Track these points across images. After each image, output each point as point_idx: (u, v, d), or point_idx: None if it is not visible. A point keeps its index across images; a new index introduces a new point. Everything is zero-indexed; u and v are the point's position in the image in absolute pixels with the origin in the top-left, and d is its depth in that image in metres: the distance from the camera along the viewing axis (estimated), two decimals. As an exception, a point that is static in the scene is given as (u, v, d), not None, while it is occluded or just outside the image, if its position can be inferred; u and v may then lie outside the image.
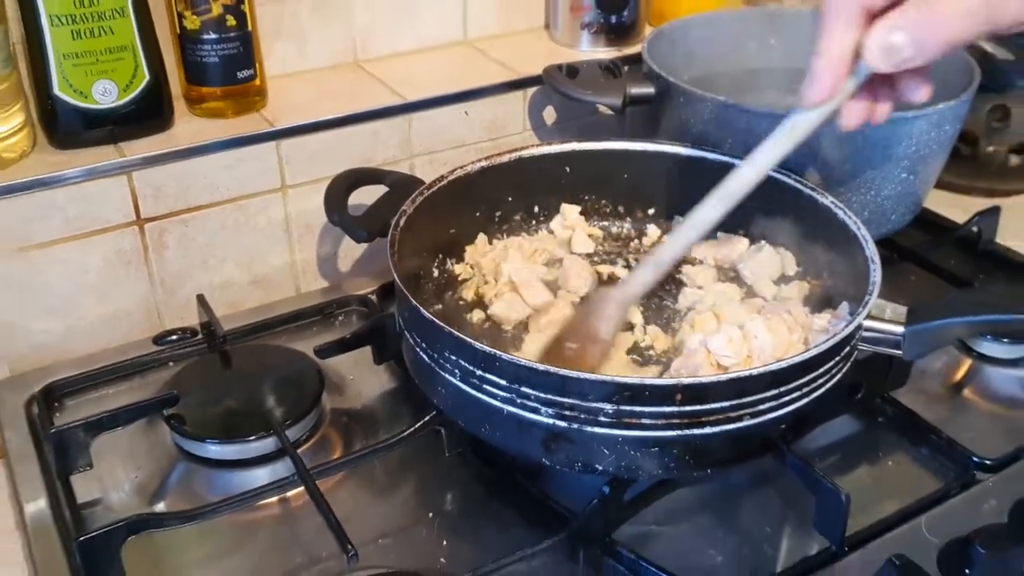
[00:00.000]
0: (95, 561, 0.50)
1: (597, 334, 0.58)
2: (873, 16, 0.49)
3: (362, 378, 0.68)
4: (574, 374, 0.49)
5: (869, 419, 0.64)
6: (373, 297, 0.74)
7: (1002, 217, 0.81)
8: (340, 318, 0.74)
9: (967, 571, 0.51)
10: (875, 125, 0.55)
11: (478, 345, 0.51)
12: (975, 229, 0.79)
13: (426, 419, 0.59)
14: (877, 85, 0.53)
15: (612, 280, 0.69)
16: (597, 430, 0.50)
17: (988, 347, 0.68)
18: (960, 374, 0.68)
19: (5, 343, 0.67)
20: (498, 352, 0.50)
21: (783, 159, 0.57)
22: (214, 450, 0.60)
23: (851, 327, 0.52)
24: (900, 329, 0.55)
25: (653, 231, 0.73)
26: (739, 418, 0.50)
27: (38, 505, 0.57)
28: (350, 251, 0.79)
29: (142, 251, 0.70)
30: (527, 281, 0.64)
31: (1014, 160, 0.85)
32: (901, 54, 0.47)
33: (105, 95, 0.66)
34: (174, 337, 0.71)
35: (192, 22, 0.69)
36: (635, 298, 0.61)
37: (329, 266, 0.79)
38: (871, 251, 0.58)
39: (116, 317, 0.71)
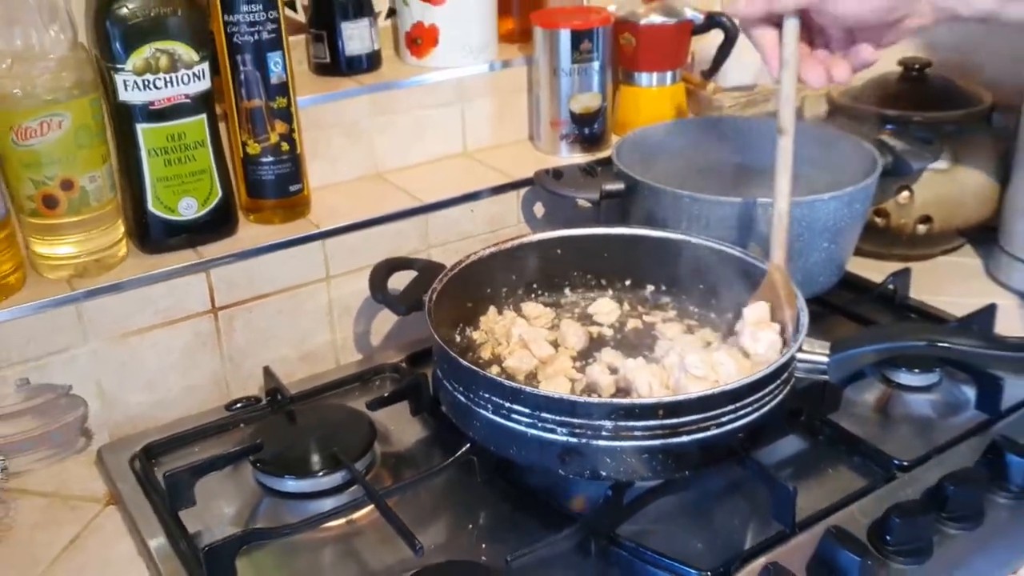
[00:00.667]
0: (217, 567, 0.65)
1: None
2: None
3: (401, 429, 0.83)
4: (582, 399, 0.66)
5: (812, 437, 0.80)
6: (404, 364, 0.90)
7: (914, 276, 0.99)
8: (376, 383, 0.90)
9: (888, 537, 0.67)
10: (837, 82, 0.74)
11: (507, 382, 0.67)
12: (891, 287, 0.97)
13: (461, 452, 0.75)
14: (833, 47, 0.73)
15: (601, 339, 0.85)
16: (601, 443, 0.66)
17: (904, 377, 0.85)
18: (883, 400, 0.85)
19: (107, 413, 0.82)
20: (523, 386, 0.66)
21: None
22: (291, 484, 0.74)
23: (787, 357, 0.69)
24: (825, 358, 0.72)
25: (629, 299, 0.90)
26: (706, 428, 0.66)
27: (158, 539, 0.71)
28: (380, 328, 0.95)
29: (215, 334, 0.85)
30: (534, 338, 0.80)
31: (921, 229, 1.04)
32: None
33: (187, 209, 0.83)
34: (239, 405, 0.86)
35: (254, 148, 0.86)
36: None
37: (363, 341, 0.95)
38: (801, 302, 0.75)
39: (194, 388, 0.86)
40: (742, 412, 0.67)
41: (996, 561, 0.68)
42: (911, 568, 0.66)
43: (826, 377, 0.72)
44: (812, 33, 0.76)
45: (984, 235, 1.06)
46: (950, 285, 1.02)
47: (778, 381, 0.69)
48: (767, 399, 0.69)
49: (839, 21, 0.73)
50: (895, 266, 1.00)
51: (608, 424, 0.65)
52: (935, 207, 1.03)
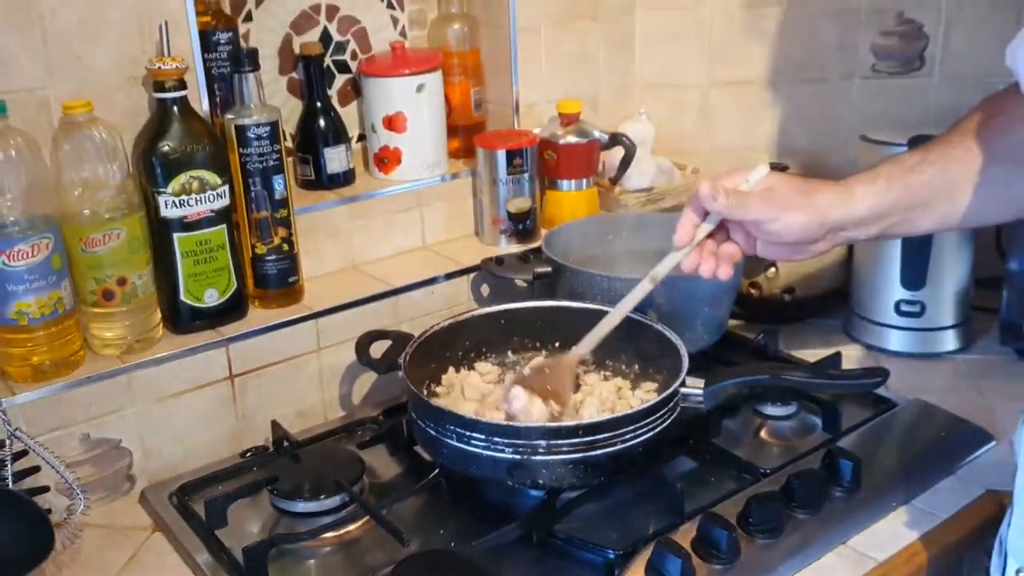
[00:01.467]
0: (253, 564, 0.86)
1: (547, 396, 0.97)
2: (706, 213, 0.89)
3: (383, 466, 1.05)
4: (523, 425, 0.89)
5: (700, 457, 1.04)
6: (381, 417, 1.13)
7: (783, 334, 1.26)
8: (360, 431, 1.12)
9: (750, 519, 0.91)
10: (718, 278, 0.90)
11: (467, 416, 0.90)
12: (762, 342, 1.23)
13: (432, 475, 0.97)
14: (735, 239, 0.90)
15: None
16: (538, 458, 0.89)
17: (769, 409, 1.10)
18: (755, 427, 1.10)
19: (147, 462, 1.03)
20: (479, 418, 0.90)
21: (650, 291, 0.96)
22: (301, 506, 0.96)
23: (671, 389, 0.94)
24: (700, 391, 0.97)
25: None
26: (614, 443, 0.90)
27: (201, 554, 0.92)
28: (360, 390, 1.18)
29: (232, 396, 1.08)
30: (484, 389, 1.04)
31: (787, 298, 1.31)
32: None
33: (210, 298, 1.06)
34: (251, 452, 1.08)
35: (261, 249, 1.10)
36: (583, 356, 0.98)
37: (347, 400, 1.17)
38: (683, 353, 1.00)
39: (215, 440, 1.07)
40: (640, 431, 0.92)
41: (833, 537, 0.92)
42: (767, 542, 0.89)
43: (702, 406, 0.97)
44: (725, 227, 0.91)
45: (839, 300, 1.33)
46: (813, 340, 1.29)
47: (666, 409, 0.94)
48: (659, 421, 0.93)
49: (768, 236, 0.88)
50: (770, 327, 1.27)
51: (543, 443, 0.89)
52: (797, 280, 1.30)
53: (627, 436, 0.91)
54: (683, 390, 0.97)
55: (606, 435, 0.90)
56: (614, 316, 0.97)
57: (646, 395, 1.04)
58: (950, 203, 0.88)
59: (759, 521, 0.91)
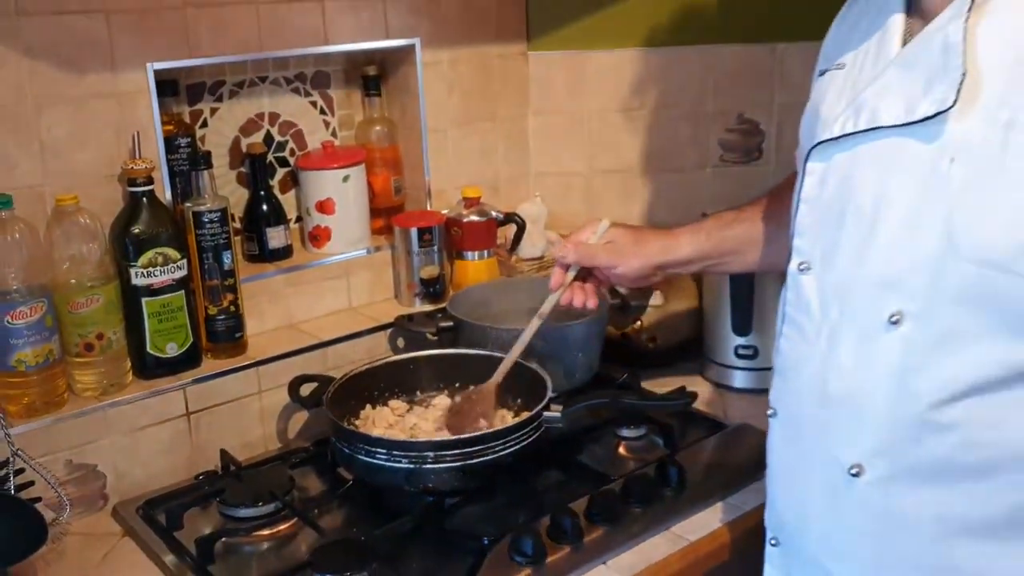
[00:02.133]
0: (203, 551, 1.10)
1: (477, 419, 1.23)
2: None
3: (310, 484, 1.30)
4: (415, 440, 1.15)
5: (564, 470, 1.30)
6: (311, 447, 1.38)
7: (649, 375, 1.53)
8: (292, 458, 1.36)
9: (593, 511, 1.17)
10: (588, 308, 1.22)
11: (373, 435, 1.16)
12: (628, 381, 1.50)
13: (348, 485, 1.23)
14: (595, 281, 1.21)
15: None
16: (427, 466, 1.15)
17: (624, 432, 1.37)
18: (613, 446, 1.36)
19: (117, 483, 1.27)
20: (382, 436, 1.16)
21: (538, 329, 1.24)
22: (243, 512, 1.20)
23: (534, 412, 1.21)
24: (559, 414, 1.23)
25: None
26: (488, 454, 1.16)
27: (164, 552, 1.15)
28: (293, 427, 1.43)
29: (188, 430, 1.32)
30: (393, 421, 1.30)
31: (651, 345, 1.59)
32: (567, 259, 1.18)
33: (171, 350, 1.32)
34: (202, 475, 1.32)
35: (212, 310, 1.36)
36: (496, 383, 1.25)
37: (283, 434, 1.42)
38: (548, 385, 1.27)
39: (174, 465, 1.31)
40: (510, 444, 1.18)
41: (660, 525, 1.18)
42: (606, 528, 1.15)
43: (561, 425, 1.24)
44: (586, 271, 1.22)
45: (695, 346, 1.62)
46: (672, 380, 1.55)
47: (530, 427, 1.20)
48: (524, 436, 1.19)
49: (613, 276, 1.20)
50: (636, 370, 1.54)
51: (431, 454, 1.15)
52: (658, 330, 1.58)
53: (498, 448, 1.17)
54: (545, 413, 1.23)
55: (481, 447, 1.16)
56: (516, 349, 1.25)
57: (523, 420, 1.30)
58: (754, 252, 1.17)
59: (599, 512, 1.17)
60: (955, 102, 0.74)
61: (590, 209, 1.78)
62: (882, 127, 0.80)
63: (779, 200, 1.15)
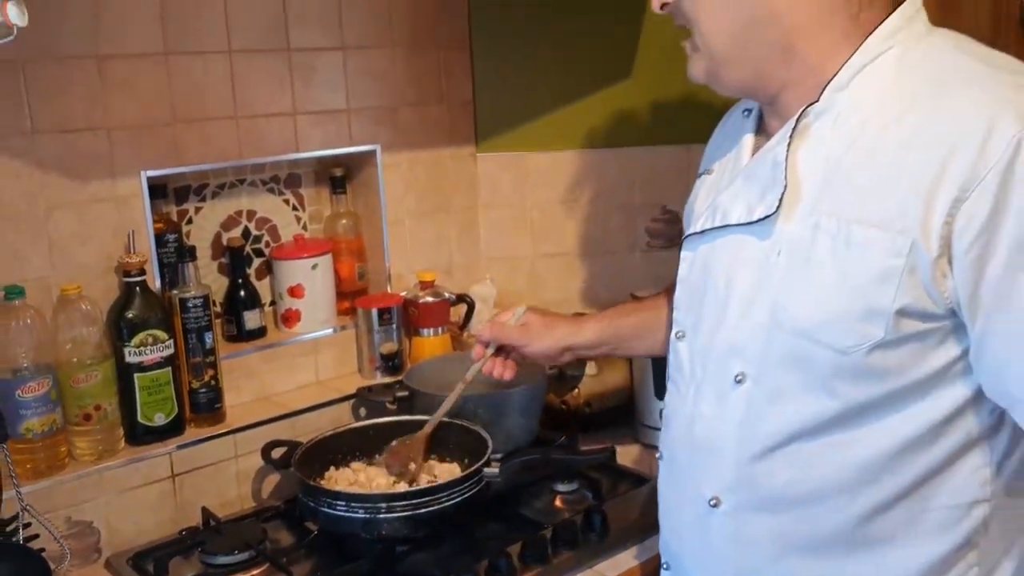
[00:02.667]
0: (186, 592, 1.27)
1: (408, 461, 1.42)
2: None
3: (280, 536, 1.48)
4: (370, 492, 1.34)
5: (504, 520, 1.48)
6: (281, 505, 1.55)
7: (584, 439, 1.72)
8: (265, 514, 1.54)
9: (525, 554, 1.35)
10: (503, 379, 1.42)
11: (334, 489, 1.35)
12: (566, 443, 1.69)
13: (312, 535, 1.40)
14: (503, 358, 1.41)
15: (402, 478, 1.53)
16: (381, 516, 1.33)
17: (560, 487, 1.56)
18: (550, 499, 1.55)
19: (110, 537, 1.44)
20: (341, 490, 1.35)
21: (463, 393, 1.44)
22: (221, 559, 1.37)
23: (476, 466, 1.40)
24: (497, 470, 1.42)
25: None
26: (434, 504, 1.35)
27: (149, 591, 1.33)
28: (267, 488, 1.61)
29: (173, 491, 1.50)
30: (352, 478, 1.49)
31: (588, 411, 1.79)
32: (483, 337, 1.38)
33: (159, 419, 1.50)
34: (185, 531, 1.49)
35: (195, 384, 1.55)
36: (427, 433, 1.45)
37: (257, 494, 1.60)
38: (489, 444, 1.46)
39: (160, 522, 1.49)
40: (453, 496, 1.36)
41: (584, 564, 1.36)
42: (539, 568, 1.33)
43: (500, 480, 1.43)
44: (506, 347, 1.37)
45: (628, 411, 1.81)
46: (608, 440, 1.75)
47: (471, 481, 1.39)
48: (466, 489, 1.38)
49: (527, 354, 1.34)
50: (573, 433, 1.73)
51: (384, 505, 1.33)
52: (593, 397, 1.78)
53: (443, 499, 1.36)
54: (485, 470, 1.42)
55: (428, 498, 1.35)
56: (444, 406, 1.44)
57: (467, 477, 1.49)
58: (649, 339, 1.37)
59: (531, 554, 1.35)
60: (778, 208, 0.96)
61: (535, 289, 2.00)
62: (730, 225, 1.02)
63: (671, 294, 1.36)
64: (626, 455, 1.68)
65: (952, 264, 0.86)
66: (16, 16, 0.98)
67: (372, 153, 1.81)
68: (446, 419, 1.52)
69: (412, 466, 1.44)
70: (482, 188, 1.99)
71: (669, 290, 1.38)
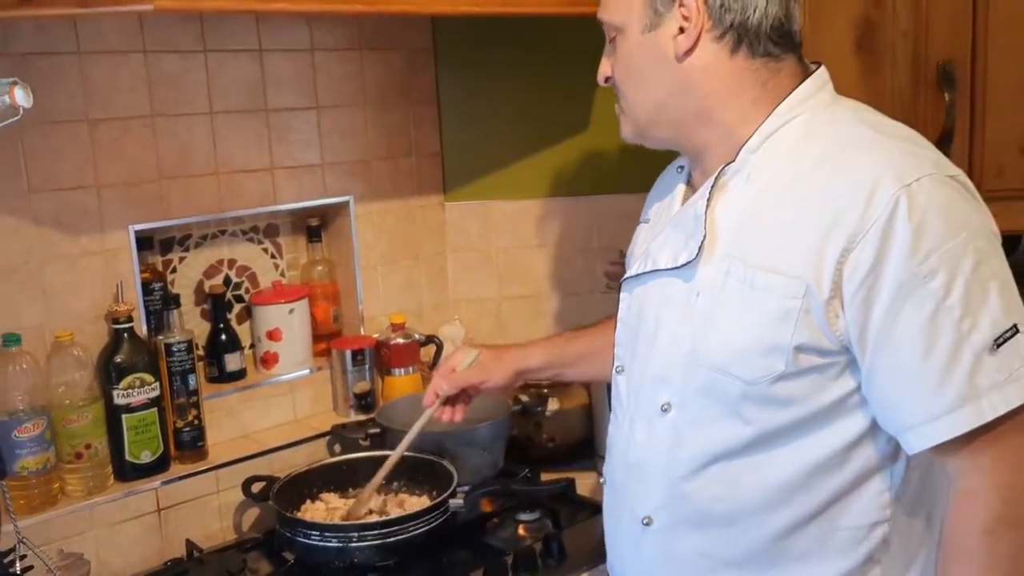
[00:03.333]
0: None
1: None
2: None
3: (259, 564, 1.58)
4: (342, 523, 1.44)
5: (469, 548, 1.58)
6: (261, 536, 1.65)
7: (547, 472, 1.83)
8: (246, 545, 1.64)
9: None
10: (454, 421, 1.53)
11: (308, 519, 1.45)
12: (529, 475, 1.80)
13: (290, 563, 1.51)
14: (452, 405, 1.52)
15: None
16: (353, 544, 1.44)
17: (522, 516, 1.67)
18: (514, 528, 1.66)
19: (100, 569, 1.53)
20: (315, 521, 1.45)
21: (419, 434, 1.54)
22: (205, 589, 1.48)
23: (441, 499, 1.50)
24: (462, 501, 1.53)
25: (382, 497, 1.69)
26: (403, 533, 1.45)
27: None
28: (247, 521, 1.71)
29: (159, 524, 1.60)
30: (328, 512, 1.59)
31: (550, 445, 1.90)
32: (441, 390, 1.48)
33: (146, 457, 1.60)
34: (170, 562, 1.58)
35: (179, 424, 1.65)
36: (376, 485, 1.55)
37: (238, 527, 1.70)
38: (455, 476, 1.57)
39: (146, 554, 1.58)
40: (420, 525, 1.47)
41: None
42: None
43: (464, 510, 1.53)
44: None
45: (589, 445, 1.92)
46: (569, 472, 1.86)
47: (437, 511, 1.50)
48: (433, 519, 1.49)
49: (485, 392, 1.48)
50: (544, 466, 1.84)
51: (356, 534, 1.44)
52: (556, 432, 1.89)
53: (411, 528, 1.47)
54: (451, 501, 1.53)
55: (397, 527, 1.46)
56: (399, 449, 1.54)
57: (435, 508, 1.60)
58: (588, 364, 1.48)
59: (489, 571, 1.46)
60: (698, 255, 1.09)
61: (501, 329, 2.11)
62: (659, 269, 1.14)
63: (610, 324, 1.48)
64: (586, 486, 1.79)
65: (843, 306, 0.99)
66: (22, 99, 1.09)
67: (345, 204, 1.93)
68: (415, 454, 1.63)
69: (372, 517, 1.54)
70: (450, 234, 2.11)
71: (609, 320, 1.50)
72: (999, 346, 0.96)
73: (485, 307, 2.13)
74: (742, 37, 1.06)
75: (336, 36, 1.87)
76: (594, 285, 2.09)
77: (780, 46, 1.08)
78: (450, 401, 1.49)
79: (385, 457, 1.66)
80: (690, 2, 1.05)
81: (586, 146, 2.05)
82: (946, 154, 1.56)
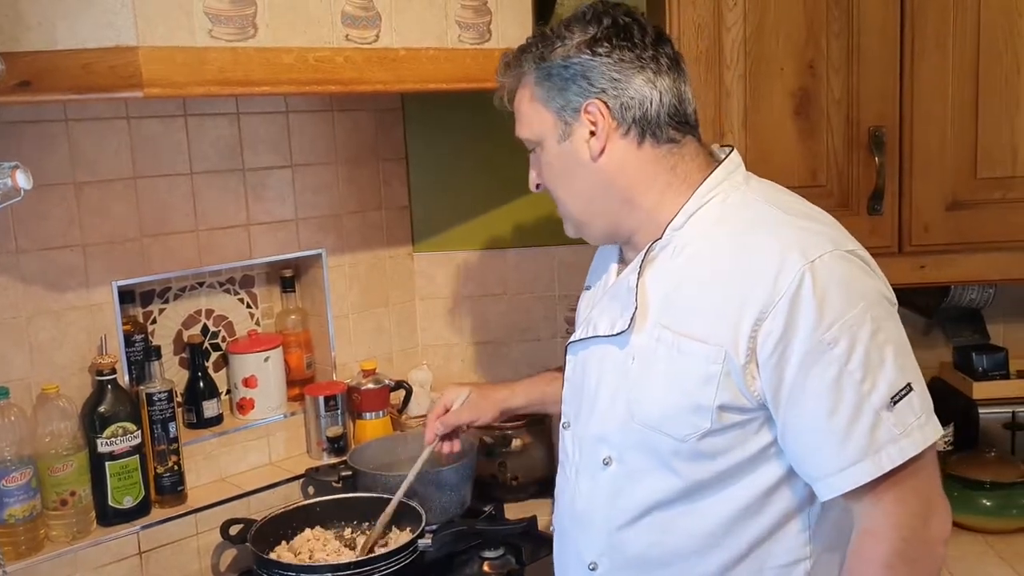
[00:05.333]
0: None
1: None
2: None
3: (238, 605, 1.66)
4: (317, 563, 1.53)
5: (440, 584, 1.68)
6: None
7: (511, 507, 1.93)
8: (225, 587, 1.72)
9: None
10: (452, 453, 1.62)
11: (283, 560, 1.54)
12: (493, 512, 1.89)
13: (268, 604, 1.59)
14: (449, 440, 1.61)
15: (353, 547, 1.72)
16: (328, 584, 1.53)
17: (487, 553, 1.76)
18: (479, 565, 1.75)
19: (83, 612, 1.61)
20: (290, 562, 1.53)
21: (418, 473, 1.64)
22: (185, 629, 1.55)
23: (411, 538, 1.59)
24: (430, 540, 1.62)
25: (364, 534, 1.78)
26: (375, 572, 1.54)
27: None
28: (225, 560, 1.78)
29: (140, 566, 1.67)
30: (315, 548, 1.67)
31: (514, 483, 1.99)
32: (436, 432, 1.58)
33: (128, 502, 1.68)
34: (151, 604, 1.66)
35: (160, 469, 1.73)
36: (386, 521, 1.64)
37: (216, 568, 1.77)
38: (424, 517, 1.66)
39: (128, 596, 1.66)
40: (391, 564, 1.56)
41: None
42: (466, 625, 1.53)
43: (432, 549, 1.63)
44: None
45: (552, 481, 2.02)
46: (532, 509, 1.95)
47: (406, 551, 1.59)
48: (403, 558, 1.58)
49: (476, 428, 1.64)
50: (508, 503, 1.94)
51: (330, 573, 1.52)
52: (519, 470, 1.99)
53: (383, 568, 1.56)
54: (420, 541, 1.62)
55: (369, 568, 1.55)
56: (401, 490, 1.63)
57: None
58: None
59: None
60: (631, 324, 1.19)
61: (467, 373, 2.21)
62: (599, 336, 1.25)
63: None
64: (548, 522, 1.88)
65: (759, 368, 1.10)
66: (24, 181, 1.18)
67: (318, 256, 2.02)
68: (379, 496, 1.72)
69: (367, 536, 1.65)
70: (418, 283, 2.21)
71: None
72: (895, 403, 1.07)
73: (452, 352, 2.23)
74: (645, 130, 1.18)
75: (309, 99, 1.97)
76: (555, 331, 2.20)
77: (679, 130, 1.20)
78: (446, 436, 1.58)
79: (362, 499, 1.77)
80: (594, 108, 1.17)
81: (546, 200, 2.12)
82: (877, 212, 1.74)
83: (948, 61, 1.70)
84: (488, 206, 2.18)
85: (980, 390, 2.01)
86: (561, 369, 1.64)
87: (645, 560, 1.19)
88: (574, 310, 2.19)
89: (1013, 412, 2.00)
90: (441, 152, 2.17)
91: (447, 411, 1.57)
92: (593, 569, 1.23)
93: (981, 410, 1.99)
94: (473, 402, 1.58)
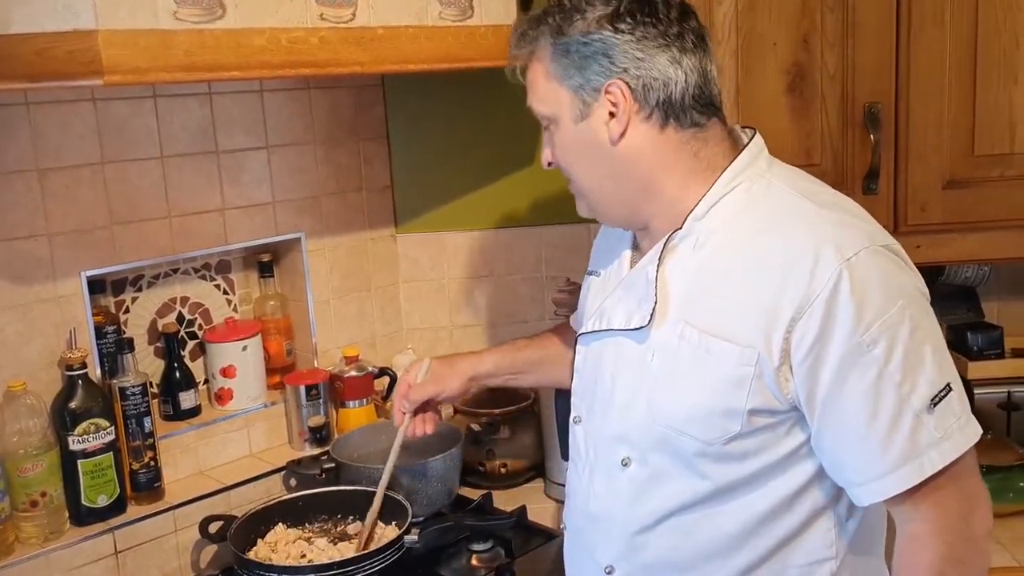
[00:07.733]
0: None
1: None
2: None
3: (219, 605, 1.61)
4: (299, 564, 1.48)
5: (427, 580, 1.64)
6: (218, 573, 1.68)
7: (500, 497, 1.88)
8: (206, 585, 1.67)
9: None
10: (426, 432, 1.56)
11: (262, 561, 1.49)
12: (482, 502, 1.85)
13: (250, 605, 1.54)
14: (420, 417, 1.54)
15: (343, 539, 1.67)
16: (313, 585, 1.48)
17: (476, 546, 1.71)
18: (468, 559, 1.70)
19: (58, 615, 1.56)
20: (272, 563, 1.49)
21: (398, 459, 1.58)
22: (164, 632, 1.50)
23: (397, 535, 1.55)
24: (416, 536, 1.58)
25: (348, 529, 1.73)
26: (360, 571, 1.49)
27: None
28: (205, 558, 1.73)
29: (117, 566, 1.62)
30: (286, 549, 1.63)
31: (503, 471, 1.95)
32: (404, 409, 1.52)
33: (102, 501, 1.62)
34: (129, 605, 1.61)
35: (135, 465, 1.67)
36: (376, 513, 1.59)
37: (196, 565, 1.72)
38: (410, 512, 1.62)
39: (105, 597, 1.61)
40: (377, 562, 1.51)
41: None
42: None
43: (419, 545, 1.58)
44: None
45: (540, 470, 1.98)
46: (520, 499, 1.91)
47: (393, 548, 1.54)
48: (390, 555, 1.53)
49: (444, 401, 1.54)
50: (497, 492, 1.89)
51: (313, 574, 1.48)
52: (508, 459, 1.95)
53: (368, 566, 1.51)
54: (406, 537, 1.58)
55: (354, 567, 1.50)
56: (382, 483, 1.59)
57: (391, 542, 1.64)
58: (542, 372, 1.53)
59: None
60: (650, 320, 1.14)
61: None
62: (613, 329, 1.20)
63: (560, 333, 1.53)
64: (537, 512, 1.84)
65: (792, 371, 1.05)
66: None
67: (297, 240, 1.96)
68: (363, 489, 1.67)
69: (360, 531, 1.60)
70: (402, 266, 2.15)
71: (557, 330, 1.55)
72: (935, 405, 1.03)
73: (438, 335, 2.18)
74: (668, 113, 1.11)
75: (284, 76, 1.89)
76: (542, 312, 2.14)
77: (704, 113, 1.13)
78: (416, 413, 1.52)
79: (345, 492, 1.72)
80: (615, 89, 1.10)
81: (531, 179, 2.10)
82: (872, 191, 1.69)
83: (945, 36, 1.64)
84: (474, 185, 2.12)
85: (975, 370, 1.97)
86: (530, 338, 1.59)
87: (665, 564, 1.15)
88: (562, 292, 2.15)
89: (1009, 392, 1.96)
90: (424, 130, 2.10)
91: (411, 388, 1.51)
92: (609, 573, 1.19)
93: (976, 390, 1.95)
94: (436, 373, 1.51)
